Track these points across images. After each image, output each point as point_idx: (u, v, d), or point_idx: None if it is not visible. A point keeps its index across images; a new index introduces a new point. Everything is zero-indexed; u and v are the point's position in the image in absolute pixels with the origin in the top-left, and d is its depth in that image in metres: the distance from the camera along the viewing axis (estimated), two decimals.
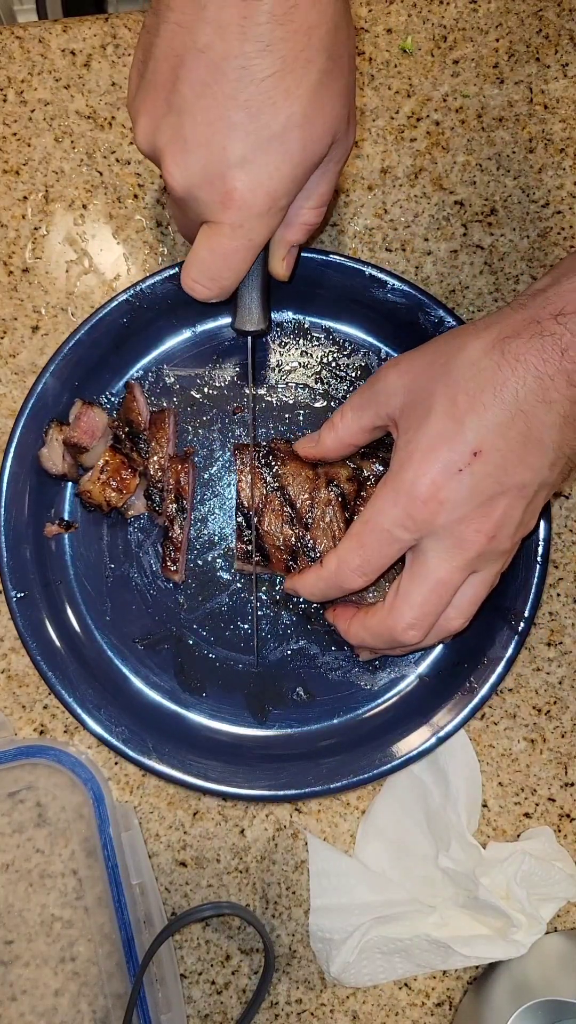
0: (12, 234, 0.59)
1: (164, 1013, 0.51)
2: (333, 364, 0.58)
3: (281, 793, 0.53)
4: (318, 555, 0.52)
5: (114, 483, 0.54)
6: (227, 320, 0.57)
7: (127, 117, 0.59)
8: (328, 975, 0.54)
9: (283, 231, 0.47)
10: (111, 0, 1.10)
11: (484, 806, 0.57)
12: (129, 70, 0.47)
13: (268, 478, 0.53)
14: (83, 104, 0.59)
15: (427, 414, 0.43)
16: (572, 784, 0.57)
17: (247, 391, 0.56)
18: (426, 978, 0.56)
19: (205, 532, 0.57)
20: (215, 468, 0.57)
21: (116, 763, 0.57)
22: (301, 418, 0.57)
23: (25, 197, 0.59)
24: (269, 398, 0.57)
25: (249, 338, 0.52)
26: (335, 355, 0.58)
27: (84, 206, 0.59)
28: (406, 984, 0.56)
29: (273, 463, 0.53)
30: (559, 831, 0.57)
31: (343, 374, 0.58)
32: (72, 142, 0.59)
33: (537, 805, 0.57)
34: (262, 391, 0.57)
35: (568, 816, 0.57)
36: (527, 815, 0.57)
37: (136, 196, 0.59)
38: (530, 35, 0.60)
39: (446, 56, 0.60)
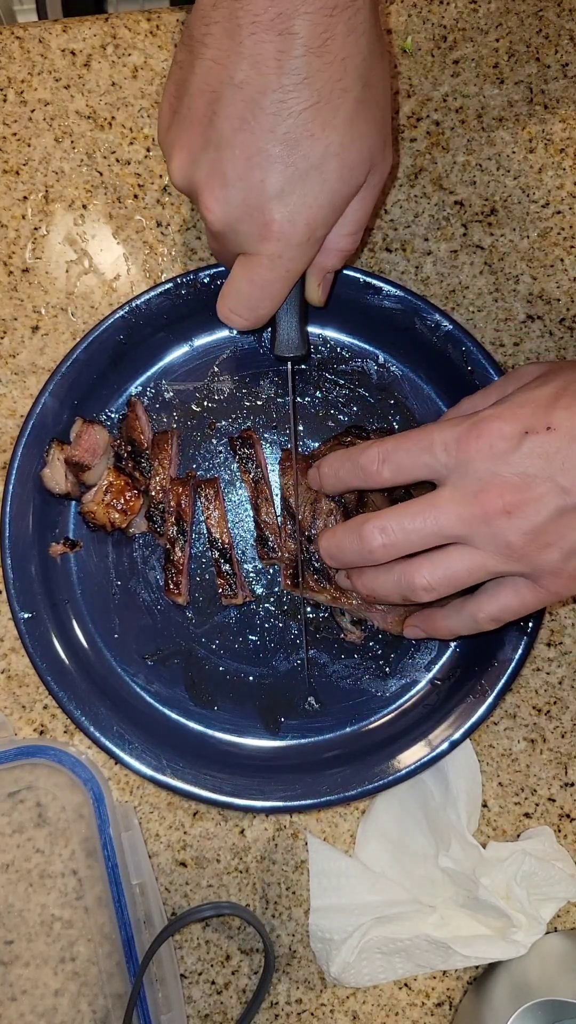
0: (12, 234, 0.59)
1: (164, 1013, 0.51)
2: (330, 371, 0.58)
3: (295, 804, 0.52)
4: (319, 559, 0.52)
5: (118, 504, 0.54)
6: (225, 332, 0.57)
7: (127, 117, 0.59)
8: (328, 975, 0.54)
9: (319, 258, 0.46)
10: (111, 0, 1.10)
11: (484, 806, 0.57)
12: (159, 106, 0.47)
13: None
14: (83, 104, 0.59)
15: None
16: (572, 784, 0.57)
17: (290, 416, 0.56)
18: (426, 978, 0.56)
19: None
20: None
21: (116, 763, 0.57)
22: (301, 427, 0.57)
23: (25, 197, 0.59)
24: (268, 408, 0.57)
25: (289, 363, 0.52)
26: (333, 363, 0.58)
27: (84, 206, 0.59)
28: (406, 984, 0.56)
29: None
30: (559, 831, 0.57)
31: (341, 381, 0.57)
32: (72, 142, 0.59)
33: (537, 805, 0.57)
34: (260, 402, 0.57)
35: (568, 816, 0.57)
36: (527, 815, 0.57)
37: (136, 196, 0.59)
38: (530, 35, 0.60)
39: (446, 56, 0.60)
